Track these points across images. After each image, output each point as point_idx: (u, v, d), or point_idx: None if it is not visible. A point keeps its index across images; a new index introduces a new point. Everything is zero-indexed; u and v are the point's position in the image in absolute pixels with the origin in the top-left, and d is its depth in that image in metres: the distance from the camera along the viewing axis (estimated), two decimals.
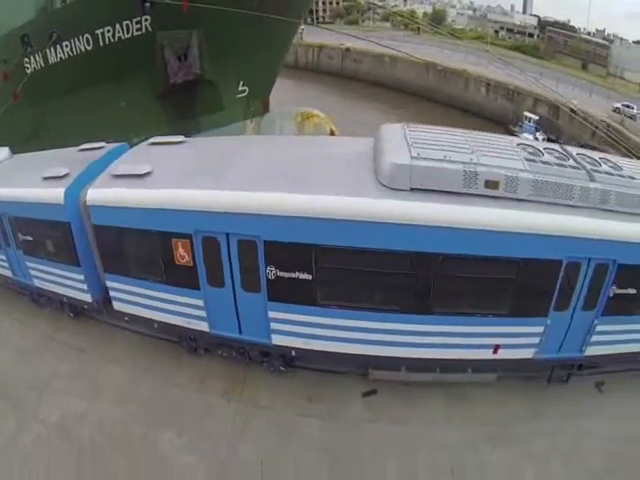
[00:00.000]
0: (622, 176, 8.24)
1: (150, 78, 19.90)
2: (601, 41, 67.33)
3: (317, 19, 76.45)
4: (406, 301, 7.62)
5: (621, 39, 67.70)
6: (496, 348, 8.26)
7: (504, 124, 38.21)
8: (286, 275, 7.33)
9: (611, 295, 8.09)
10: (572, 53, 64.14)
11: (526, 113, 36.73)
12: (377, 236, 6.96)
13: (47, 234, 9.49)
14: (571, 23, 73.51)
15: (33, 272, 10.24)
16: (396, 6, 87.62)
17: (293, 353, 8.14)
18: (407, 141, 7.66)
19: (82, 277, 9.20)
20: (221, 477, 6.70)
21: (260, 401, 7.86)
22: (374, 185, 7.19)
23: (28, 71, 19.95)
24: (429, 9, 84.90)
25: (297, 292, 7.39)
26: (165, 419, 7.54)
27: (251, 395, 7.94)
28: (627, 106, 40.73)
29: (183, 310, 8.15)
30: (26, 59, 19.78)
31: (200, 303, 7.94)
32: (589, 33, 70.76)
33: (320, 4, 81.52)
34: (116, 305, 9.00)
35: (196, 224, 7.39)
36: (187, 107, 21.04)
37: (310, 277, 7.27)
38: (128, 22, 18.71)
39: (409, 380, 8.59)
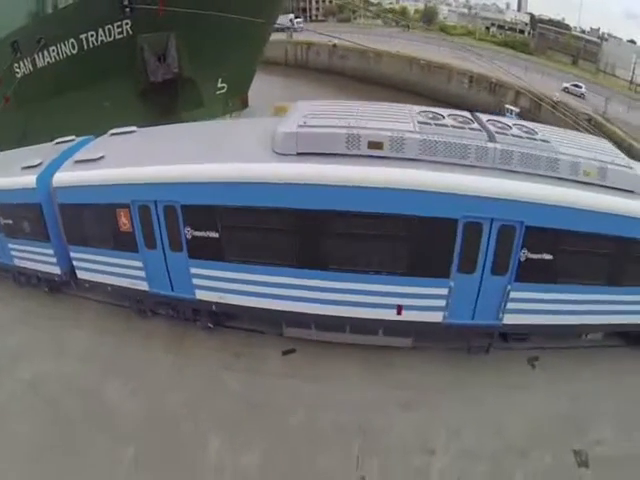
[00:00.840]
0: (533, 139, 8.39)
1: (132, 78, 21.16)
2: (592, 38, 66.99)
3: (310, 17, 77.47)
4: (301, 257, 8.17)
5: (614, 38, 67.77)
6: (399, 309, 8.44)
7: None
8: (200, 234, 8.34)
9: (523, 260, 8.02)
10: (562, 49, 64.73)
11: (507, 106, 37.19)
12: (269, 196, 7.76)
13: (24, 216, 10.74)
14: (566, 22, 73.09)
15: (13, 253, 11.49)
16: (390, 3, 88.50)
17: (214, 307, 9.10)
18: (303, 113, 8.51)
19: (52, 252, 10.44)
20: (154, 418, 7.86)
21: (193, 355, 9.00)
22: (269, 153, 8.10)
23: (18, 76, 21.29)
24: (422, 7, 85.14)
25: (209, 249, 8.45)
26: (116, 372, 8.72)
27: (187, 350, 9.09)
28: (576, 85, 42.53)
29: (128, 272, 9.35)
30: (16, 64, 21.11)
31: (140, 265, 9.12)
32: (583, 31, 70.35)
33: (313, 2, 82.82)
34: (79, 274, 10.24)
35: (132, 195, 8.58)
36: (168, 104, 22.17)
37: (217, 235, 8.24)
38: (110, 26, 19.98)
39: (322, 339, 9.11)
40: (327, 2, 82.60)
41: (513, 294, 8.36)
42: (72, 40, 20.35)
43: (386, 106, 9.30)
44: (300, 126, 8.04)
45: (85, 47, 20.48)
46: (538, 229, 7.96)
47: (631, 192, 8.41)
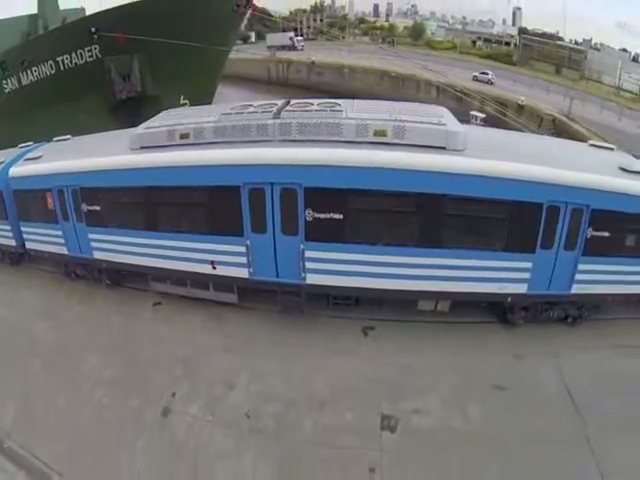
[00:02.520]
0: (324, 111, 9.52)
1: (102, 95, 24.64)
2: (576, 47, 68.41)
3: (301, 35, 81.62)
4: (143, 220, 10.46)
5: (605, 47, 69.82)
6: (213, 264, 9.99)
7: None
8: (90, 209, 11.09)
9: (309, 220, 8.96)
10: (545, 58, 66.99)
11: (472, 112, 38.63)
12: (123, 178, 10.36)
13: None
14: (559, 34, 74.12)
15: None
16: (376, 21, 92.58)
17: (104, 265, 11.71)
18: (160, 117, 11.18)
19: (9, 227, 13.53)
20: (59, 344, 10.75)
21: (96, 305, 11.75)
22: (126, 149, 10.70)
23: (6, 91, 24.93)
24: (411, 23, 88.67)
25: (99, 220, 11.21)
26: (44, 316, 11.70)
27: (93, 302, 11.94)
28: (483, 73, 46.80)
29: (54, 240, 12.31)
30: (4, 81, 24.73)
31: (60, 234, 12.17)
32: (577, 43, 72.33)
33: (304, 21, 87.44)
34: (27, 244, 13.31)
35: (53, 182, 11.69)
36: (134, 119, 25.48)
37: (99, 208, 10.98)
38: (81, 50, 23.55)
39: (172, 292, 11.16)
40: (318, 21, 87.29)
41: (308, 253, 9.37)
42: (50, 62, 23.95)
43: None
44: (145, 128, 10.89)
45: (61, 68, 24.07)
46: (317, 189, 8.88)
47: (442, 148, 9.10)
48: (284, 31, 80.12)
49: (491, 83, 45.77)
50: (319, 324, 10.06)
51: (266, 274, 9.90)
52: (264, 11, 36.94)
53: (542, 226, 9.47)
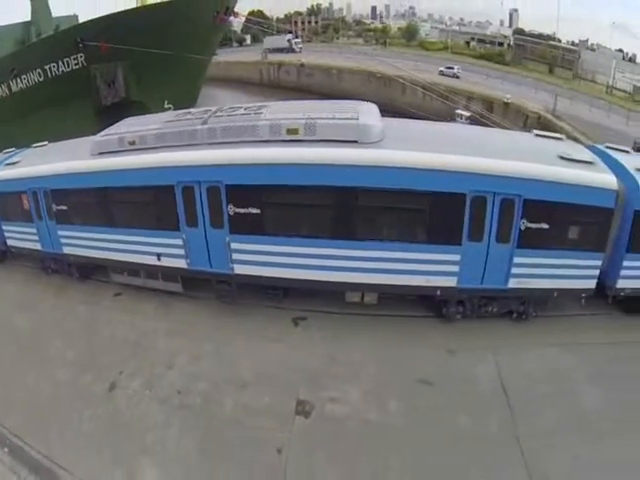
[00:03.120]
0: (247, 114, 10.19)
1: (88, 101, 26.01)
2: (569, 46, 68.94)
3: (297, 37, 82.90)
4: (100, 218, 11.48)
5: (599, 47, 70.17)
6: (158, 256, 10.92)
7: None
8: (61, 208, 12.06)
9: (231, 214, 9.70)
10: (538, 58, 67.47)
11: (457, 111, 38.38)
12: (83, 180, 11.32)
13: None
14: (556, 35, 73.70)
15: None
16: (372, 23, 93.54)
17: (72, 259, 12.65)
18: (118, 126, 11.98)
19: None
20: (32, 329, 11.43)
21: (68, 297, 12.58)
22: (87, 154, 11.50)
23: None
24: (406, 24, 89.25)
25: (66, 217, 12.18)
26: (23, 307, 12.60)
27: (65, 294, 12.82)
28: (449, 67, 48.28)
29: (30, 237, 13.30)
30: None
31: (35, 231, 13.28)
32: (573, 43, 72.38)
33: (299, 24, 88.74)
34: (8, 242, 14.47)
35: (28, 185, 12.71)
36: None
37: (66, 208, 11.97)
38: (68, 59, 24.96)
39: (132, 283, 11.99)
40: (312, 23, 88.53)
41: (232, 245, 10.06)
42: (39, 70, 25.38)
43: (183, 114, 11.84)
44: (101, 136, 11.89)
45: (49, 75, 25.48)
46: (237, 186, 9.52)
47: (354, 142, 9.23)
48: (279, 33, 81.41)
49: (457, 77, 47.39)
50: (255, 313, 10.65)
51: (201, 264, 10.63)
52: (247, 18, 38.12)
53: (467, 217, 9.28)
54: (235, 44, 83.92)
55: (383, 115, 10.66)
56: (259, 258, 9.99)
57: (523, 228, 9.44)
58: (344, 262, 9.65)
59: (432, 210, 9.28)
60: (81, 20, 33.63)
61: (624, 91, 52.68)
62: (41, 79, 25.56)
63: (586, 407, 8.47)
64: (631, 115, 35.09)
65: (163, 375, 9.16)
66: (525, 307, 10.58)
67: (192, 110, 11.96)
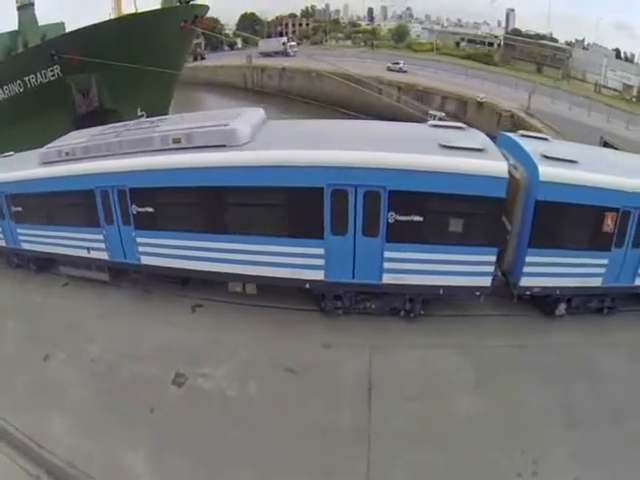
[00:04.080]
0: (148, 128, 11.71)
1: (65, 110, 27.91)
2: (559, 45, 69.24)
3: (293, 40, 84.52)
4: (45, 217, 13.03)
5: (592, 46, 69.31)
6: (88, 249, 12.43)
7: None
8: (15, 209, 13.82)
9: (134, 213, 11.12)
10: (526, 58, 68.08)
11: (431, 111, 38.02)
12: (30, 186, 12.92)
13: None
14: (553, 35, 74.25)
15: None
16: (368, 24, 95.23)
17: (29, 254, 14.15)
18: (65, 137, 13.71)
19: None
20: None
21: (27, 287, 14.10)
22: (36, 164, 13.00)
23: None
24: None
25: (15, 217, 13.85)
26: None
27: (26, 284, 14.28)
28: (395, 63, 51.83)
29: None
30: None
31: (0, 230, 14.77)
32: (569, 43, 71.19)
33: (290, 26, 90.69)
34: None
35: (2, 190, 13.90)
36: None
37: (20, 210, 13.71)
38: (45, 70, 26.97)
39: (71, 274, 13.54)
40: (304, 26, 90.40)
41: (137, 239, 11.46)
42: (19, 81, 27.43)
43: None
44: (46, 148, 13.13)
45: (29, 86, 27.56)
46: (137, 189, 11.01)
47: (223, 146, 10.26)
48: (269, 36, 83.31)
49: (404, 71, 51.03)
50: (165, 300, 12.20)
51: (117, 257, 12.13)
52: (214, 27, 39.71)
53: (328, 211, 9.55)
54: (226, 48, 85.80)
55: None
56: (156, 250, 11.42)
57: (392, 221, 9.44)
58: (223, 254, 10.69)
59: (292, 205, 9.85)
60: (67, 28, 35.88)
61: (615, 90, 53.61)
62: (21, 90, 27.57)
63: (455, 412, 8.69)
64: (613, 112, 35.85)
65: (85, 349, 10.97)
66: (412, 305, 10.58)
67: (117, 124, 13.70)
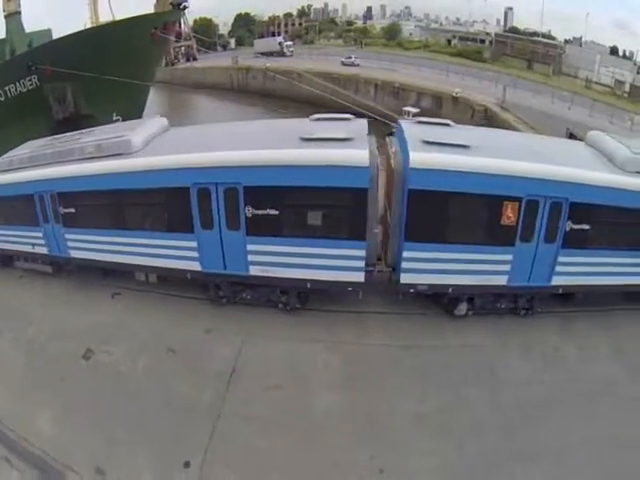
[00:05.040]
0: (72, 140, 13.11)
1: (44, 117, 29.96)
2: (551, 42, 69.51)
3: (290, 39, 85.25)
4: (2, 218, 14.49)
5: (587, 42, 69.27)
6: (33, 245, 13.89)
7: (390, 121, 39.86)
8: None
9: (62, 213, 12.65)
10: (517, 55, 68.83)
11: (405, 108, 38.99)
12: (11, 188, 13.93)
13: None
14: (552, 33, 74.56)
15: None
16: (364, 23, 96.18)
17: None
18: (21, 146, 15.32)
19: None
20: None
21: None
22: None
23: None
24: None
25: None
26: None
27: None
28: (348, 57, 55.20)
29: None
30: None
31: None
32: (567, 41, 70.90)
33: (282, 26, 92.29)
34: None
35: None
36: None
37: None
38: (23, 80, 28.99)
39: (24, 267, 15.02)
40: (296, 25, 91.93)
41: (65, 235, 13.05)
42: (0, 91, 29.49)
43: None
44: (2, 158, 14.83)
45: (9, 95, 29.61)
46: (65, 193, 12.33)
47: (120, 154, 11.62)
48: (262, 37, 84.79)
49: (356, 65, 54.44)
50: (90, 289, 13.64)
51: (54, 251, 13.70)
52: (186, 33, 41.42)
53: (196, 208, 10.54)
54: (219, 48, 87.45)
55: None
56: (80, 245, 13.07)
57: (249, 215, 10.07)
58: (126, 248, 12.24)
59: (169, 203, 11.05)
60: (54, 34, 37.81)
61: (607, 86, 53.70)
62: (2, 99, 29.60)
63: (312, 407, 9.09)
64: (598, 107, 35.80)
65: (24, 328, 12.76)
66: (286, 298, 11.12)
67: (58, 136, 15.35)
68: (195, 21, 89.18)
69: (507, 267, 10.18)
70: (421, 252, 9.92)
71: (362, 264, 10.01)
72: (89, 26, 40.07)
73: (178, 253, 11.28)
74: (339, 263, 10.00)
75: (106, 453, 8.57)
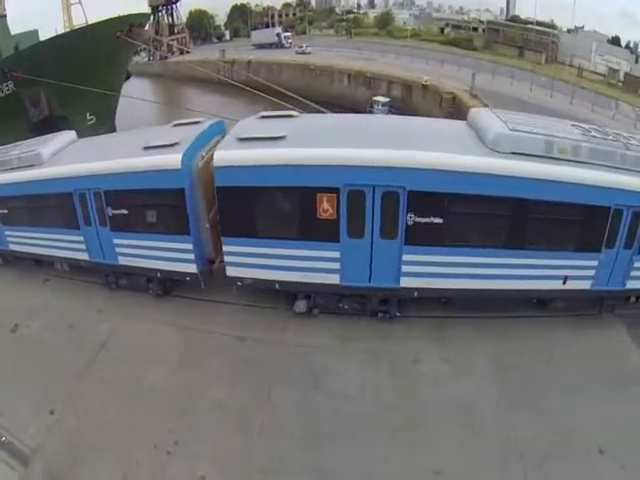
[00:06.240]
0: (9, 151, 14.12)
1: (22, 119, 32.39)
2: (543, 29, 68.54)
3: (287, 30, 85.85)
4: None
5: (584, 31, 67.92)
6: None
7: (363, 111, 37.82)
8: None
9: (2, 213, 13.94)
10: (509, 42, 68.45)
11: (375, 97, 39.89)
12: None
13: None
14: (554, 22, 72.81)
15: None
16: (356, 13, 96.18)
17: None
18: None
19: None
20: None
21: None
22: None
23: None
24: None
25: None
26: None
27: None
28: (300, 47, 59.39)
29: None
30: None
31: None
32: (569, 30, 69.39)
33: (276, 17, 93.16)
34: None
35: None
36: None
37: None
38: (1, 86, 31.36)
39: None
40: (290, 16, 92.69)
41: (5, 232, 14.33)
42: None
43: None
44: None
45: None
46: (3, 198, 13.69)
47: (33, 165, 12.90)
48: (256, 28, 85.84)
49: (307, 53, 59.66)
50: (29, 277, 14.89)
51: (1, 245, 14.97)
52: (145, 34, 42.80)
53: (77, 208, 12.04)
54: (215, 40, 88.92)
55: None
56: (15, 240, 14.47)
57: (110, 214, 11.61)
58: (45, 242, 13.63)
59: (62, 205, 12.46)
60: (41, 35, 39.99)
61: (601, 74, 52.93)
62: None
63: (142, 378, 10.25)
64: (583, 95, 34.89)
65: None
66: (153, 285, 12.44)
67: (8, 146, 15.82)
68: (190, 13, 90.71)
69: (336, 265, 9.89)
70: (239, 247, 10.26)
71: (192, 256, 10.93)
72: (63, 31, 42.08)
73: (72, 245, 12.99)
74: (175, 255, 11.11)
75: (2, 399, 10.35)
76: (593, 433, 8.66)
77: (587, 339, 10.71)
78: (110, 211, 11.60)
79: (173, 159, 10.07)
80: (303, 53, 60.30)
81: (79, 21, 42.78)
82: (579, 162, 9.50)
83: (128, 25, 32.91)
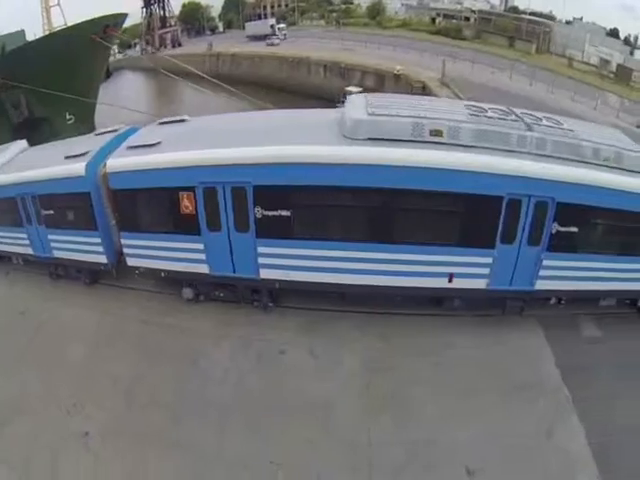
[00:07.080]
0: None
1: (5, 120, 34.47)
2: (535, 19, 68.01)
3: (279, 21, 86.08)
4: None
5: (578, 21, 67.59)
6: None
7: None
8: None
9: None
10: (500, 32, 68.11)
11: (347, 88, 39.63)
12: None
13: None
14: (553, 13, 71.63)
15: None
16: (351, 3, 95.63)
17: None
18: None
19: None
20: None
21: None
22: None
23: None
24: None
25: None
26: None
27: None
28: (269, 38, 60.03)
29: None
30: None
31: None
32: (567, 22, 69.27)
33: (268, 7, 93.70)
34: None
35: None
36: (33, 135, 34.76)
37: None
38: None
39: None
40: (283, 7, 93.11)
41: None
42: None
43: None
44: None
45: None
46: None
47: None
48: (250, 19, 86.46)
49: (276, 44, 61.02)
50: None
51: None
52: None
53: (21, 211, 13.15)
54: (208, 32, 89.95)
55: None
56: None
57: (43, 214, 12.87)
58: (6, 240, 14.86)
59: (12, 207, 13.51)
60: (28, 35, 41.67)
61: (593, 65, 52.55)
62: None
63: (65, 353, 11.48)
64: (565, 85, 34.85)
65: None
66: (81, 274, 13.71)
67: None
68: (184, 5, 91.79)
69: (203, 256, 10.99)
70: (134, 240, 11.56)
71: (101, 249, 12.39)
72: (42, 33, 43.97)
73: (19, 242, 14.25)
74: (89, 248, 12.54)
75: None
76: (464, 449, 8.00)
77: (492, 342, 10.07)
78: (42, 211, 13.15)
79: (79, 167, 11.58)
80: (272, 45, 60.89)
81: (58, 23, 44.23)
82: (459, 146, 8.96)
83: (102, 27, 34.58)
